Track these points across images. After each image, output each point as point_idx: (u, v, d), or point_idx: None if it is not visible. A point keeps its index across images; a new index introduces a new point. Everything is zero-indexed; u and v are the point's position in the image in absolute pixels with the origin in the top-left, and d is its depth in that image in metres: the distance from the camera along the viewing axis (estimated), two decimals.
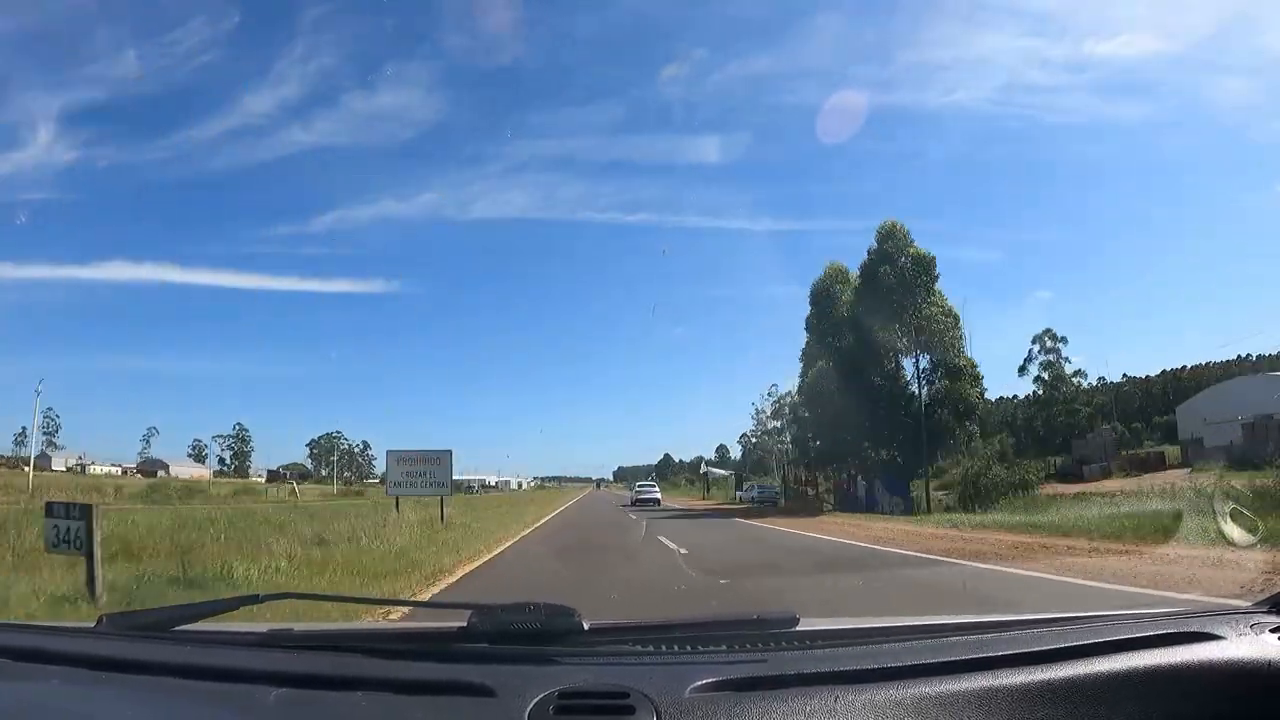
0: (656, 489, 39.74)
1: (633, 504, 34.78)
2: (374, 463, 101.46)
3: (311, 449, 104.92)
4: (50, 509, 6.42)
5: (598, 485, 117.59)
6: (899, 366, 28.71)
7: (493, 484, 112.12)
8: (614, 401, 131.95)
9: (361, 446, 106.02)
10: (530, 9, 71.00)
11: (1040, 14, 59.80)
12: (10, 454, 67.65)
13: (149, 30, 75.59)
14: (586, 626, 1.24)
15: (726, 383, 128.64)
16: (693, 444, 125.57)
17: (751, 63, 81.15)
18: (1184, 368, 66.73)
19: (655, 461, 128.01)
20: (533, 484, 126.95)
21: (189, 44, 79.17)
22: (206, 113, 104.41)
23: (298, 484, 64.32)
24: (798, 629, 1.28)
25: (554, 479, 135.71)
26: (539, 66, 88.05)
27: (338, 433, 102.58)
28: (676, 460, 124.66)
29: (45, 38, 71.74)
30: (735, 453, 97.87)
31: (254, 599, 1.58)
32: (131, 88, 75.17)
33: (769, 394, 63.52)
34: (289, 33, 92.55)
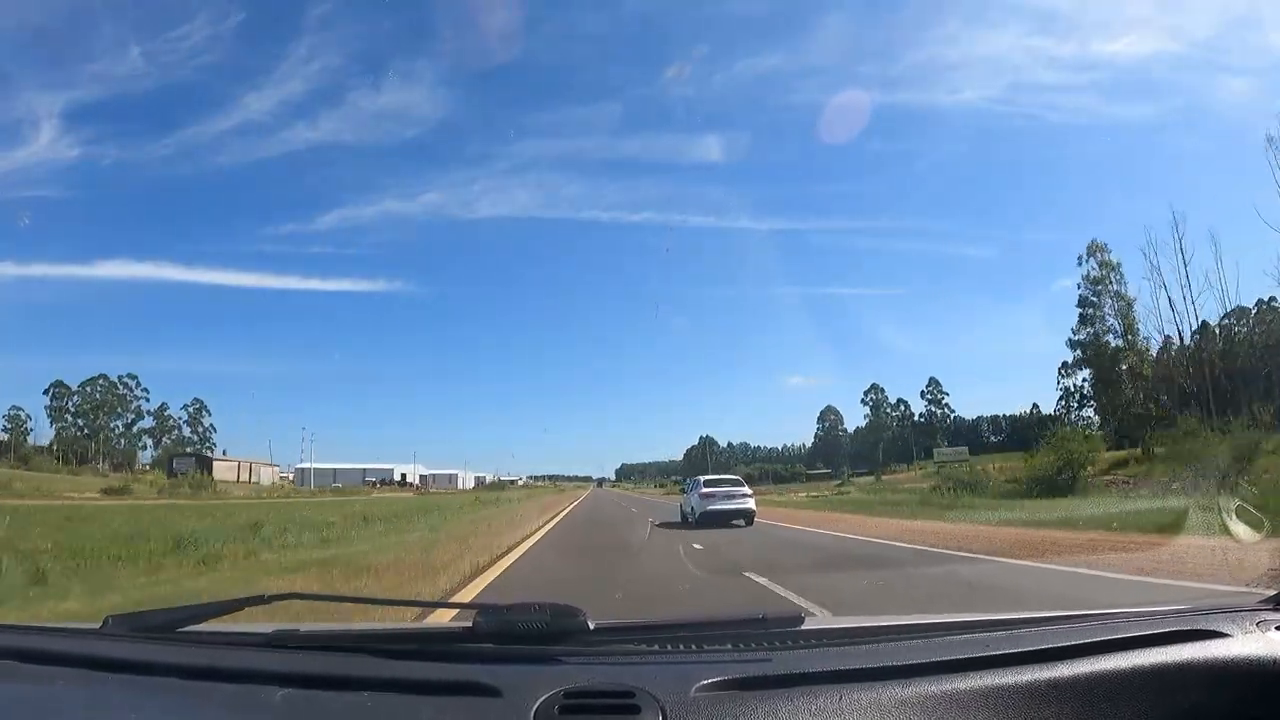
0: (745, 490, 18.05)
1: (690, 522, 17.27)
2: (213, 436, 66.02)
3: (55, 400, 58.22)
4: None
5: (599, 484, 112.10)
6: None
7: (410, 480, 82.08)
8: (616, 399, 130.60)
9: (193, 409, 63.47)
10: (535, 7, 71.13)
11: (1046, 13, 59.58)
12: None
13: (152, 27, 75.95)
14: (592, 626, 1.24)
15: (733, 379, 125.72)
16: (724, 434, 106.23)
17: (757, 62, 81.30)
18: None
19: (677, 456, 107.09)
20: (520, 480, 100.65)
21: (192, 41, 78.87)
22: (209, 110, 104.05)
23: None
24: (803, 628, 1.28)
25: (549, 477, 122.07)
26: (543, 65, 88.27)
27: (128, 378, 58.38)
28: (724, 445, 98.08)
29: (48, 35, 71.83)
30: (853, 420, 78.35)
31: (260, 600, 1.58)
32: (135, 85, 75.36)
33: None
34: (293, 30, 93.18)
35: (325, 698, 1.12)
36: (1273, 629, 1.21)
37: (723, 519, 16.55)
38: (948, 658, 1.14)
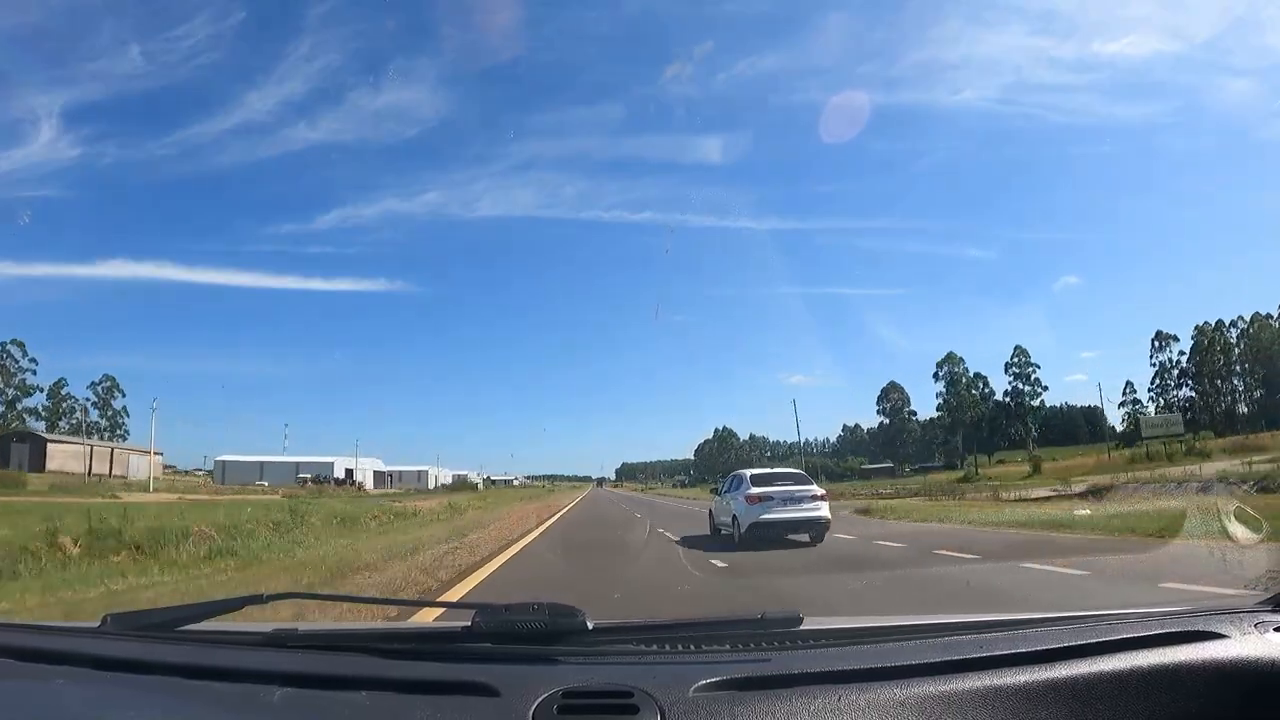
0: (814, 490, 11.79)
1: (733, 538, 11.60)
2: (126, 422, 51.61)
3: None
4: None
5: (598, 484, 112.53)
6: None
7: (358, 478, 68.20)
8: (616, 399, 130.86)
9: (103, 388, 49.36)
10: (536, 7, 71.14)
11: (1047, 13, 59.51)
12: None
13: (153, 27, 76.19)
14: (591, 626, 1.24)
15: (735, 379, 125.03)
16: (739, 428, 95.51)
17: (758, 61, 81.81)
18: None
19: (681, 455, 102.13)
20: (516, 480, 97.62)
21: (193, 40, 79.09)
22: (210, 110, 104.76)
23: None
24: (801, 628, 1.28)
25: (548, 477, 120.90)
26: (544, 64, 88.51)
27: (12, 344, 46.43)
28: (746, 438, 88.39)
29: (48, 35, 72.21)
30: (917, 400, 64.79)
31: (258, 599, 1.58)
32: (135, 85, 75.42)
33: None
34: (293, 29, 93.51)
35: (323, 697, 1.12)
36: (1271, 630, 1.21)
37: (782, 533, 11.29)
38: (945, 658, 1.14)
